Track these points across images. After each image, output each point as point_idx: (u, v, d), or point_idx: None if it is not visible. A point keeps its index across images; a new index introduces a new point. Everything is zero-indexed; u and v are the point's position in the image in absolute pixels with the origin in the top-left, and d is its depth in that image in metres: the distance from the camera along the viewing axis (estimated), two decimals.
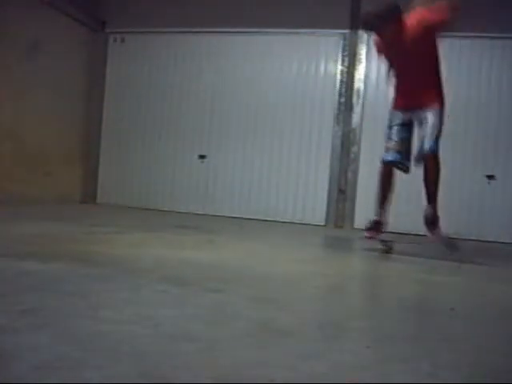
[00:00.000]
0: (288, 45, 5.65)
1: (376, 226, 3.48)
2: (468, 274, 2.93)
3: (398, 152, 3.49)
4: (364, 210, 5.55)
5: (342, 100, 5.59)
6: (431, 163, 3.43)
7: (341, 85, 5.60)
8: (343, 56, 5.61)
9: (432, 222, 3.35)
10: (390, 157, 3.48)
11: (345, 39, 5.59)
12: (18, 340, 1.21)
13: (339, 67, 5.62)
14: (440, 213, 5.31)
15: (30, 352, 1.13)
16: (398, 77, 3.51)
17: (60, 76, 5.63)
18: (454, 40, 5.34)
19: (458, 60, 5.34)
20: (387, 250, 3.44)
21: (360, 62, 5.57)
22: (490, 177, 5.23)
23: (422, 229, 3.57)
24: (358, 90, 5.56)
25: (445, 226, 5.29)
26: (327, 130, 5.56)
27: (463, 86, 5.32)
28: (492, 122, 5.24)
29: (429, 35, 3.29)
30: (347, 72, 5.59)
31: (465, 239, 5.15)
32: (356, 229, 5.49)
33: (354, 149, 5.57)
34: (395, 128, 3.54)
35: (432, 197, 3.41)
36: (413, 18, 3.25)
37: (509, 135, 5.21)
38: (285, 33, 5.58)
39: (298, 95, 5.63)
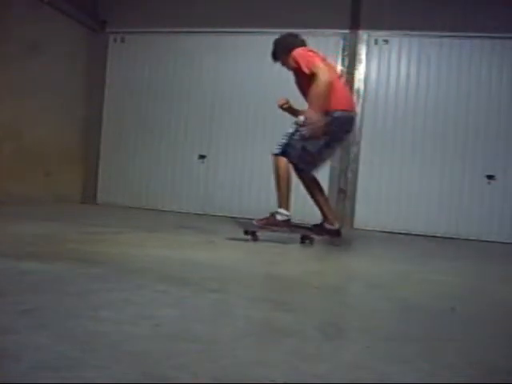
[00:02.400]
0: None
1: (286, 221, 3.55)
2: (468, 273, 2.93)
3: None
4: (364, 210, 5.57)
5: None
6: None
7: None
8: (343, 56, 5.61)
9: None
10: (276, 150, 3.64)
11: (345, 39, 5.60)
12: (18, 340, 1.21)
13: (339, 67, 5.62)
14: (440, 213, 5.34)
15: (29, 352, 1.13)
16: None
17: (60, 76, 5.63)
18: (454, 40, 5.35)
19: (458, 60, 5.35)
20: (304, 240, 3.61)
21: (360, 62, 5.57)
22: (490, 177, 5.23)
23: None
24: (358, 90, 5.56)
25: (445, 225, 5.32)
26: None
27: (463, 86, 5.33)
28: (492, 122, 5.25)
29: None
30: (347, 72, 5.59)
31: (465, 239, 5.17)
32: (356, 229, 5.50)
33: (354, 149, 5.57)
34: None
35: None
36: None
37: (509, 135, 5.21)
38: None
39: (298, 95, 5.63)
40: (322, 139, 3.49)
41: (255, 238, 3.51)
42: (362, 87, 5.56)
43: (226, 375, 1.11)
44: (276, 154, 3.61)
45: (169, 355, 1.19)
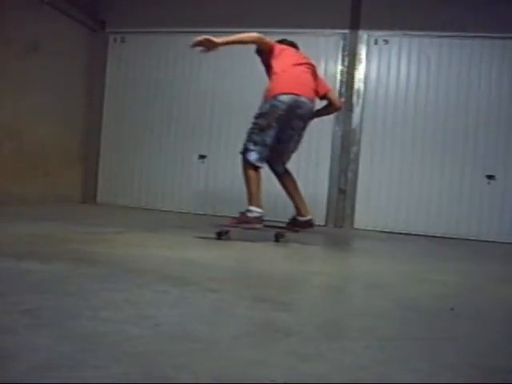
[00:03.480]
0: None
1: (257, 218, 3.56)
2: (468, 273, 2.93)
3: None
4: (364, 210, 5.57)
5: (342, 100, 5.59)
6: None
7: (341, 85, 5.61)
8: (343, 56, 5.61)
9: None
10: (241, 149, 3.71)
11: (345, 39, 5.60)
12: (18, 340, 1.21)
13: (339, 67, 5.62)
14: (440, 212, 5.34)
15: (30, 352, 1.13)
16: None
17: (60, 76, 5.63)
18: (454, 40, 5.35)
19: (458, 60, 5.35)
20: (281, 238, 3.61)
21: (360, 62, 5.57)
22: (490, 177, 5.23)
23: None
24: (358, 90, 5.56)
25: (445, 225, 5.32)
26: (327, 130, 5.56)
27: (463, 86, 5.33)
28: (492, 122, 5.25)
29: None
30: (347, 72, 5.59)
31: (465, 239, 5.17)
32: (356, 229, 5.50)
33: (354, 149, 5.57)
34: None
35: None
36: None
37: (509, 135, 5.21)
38: (285, 33, 5.54)
39: None
40: (274, 127, 3.55)
41: (227, 237, 3.52)
42: (361, 87, 5.56)
43: (226, 375, 1.11)
44: (242, 153, 3.65)
45: (169, 355, 1.19)
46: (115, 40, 6.22)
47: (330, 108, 3.93)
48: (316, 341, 1.43)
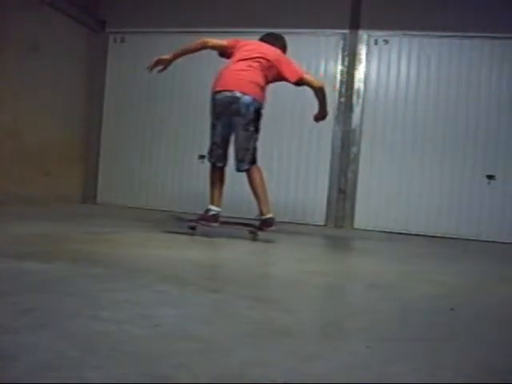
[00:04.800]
0: (288, 45, 5.64)
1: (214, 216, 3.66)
2: (468, 273, 2.93)
3: None
4: (364, 210, 5.57)
5: (342, 100, 5.60)
6: None
7: (341, 85, 5.61)
8: (343, 56, 5.61)
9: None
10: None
11: (345, 39, 5.60)
12: (18, 340, 1.21)
13: (339, 67, 5.62)
14: (440, 212, 5.34)
15: (30, 352, 1.13)
16: None
17: (60, 76, 5.63)
18: (453, 40, 5.35)
19: (458, 60, 5.35)
20: (255, 237, 3.62)
21: (360, 62, 5.57)
22: (490, 177, 5.23)
23: None
24: (358, 90, 5.56)
25: (445, 225, 5.32)
26: (327, 130, 5.56)
27: (463, 86, 5.33)
28: (492, 122, 5.25)
29: None
30: (347, 72, 5.59)
31: (465, 239, 5.17)
32: (356, 229, 5.50)
33: (354, 149, 5.57)
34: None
35: None
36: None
37: (509, 135, 5.21)
38: (285, 33, 5.53)
39: (298, 95, 5.64)
40: (217, 125, 3.67)
41: (194, 233, 3.63)
42: (361, 87, 5.56)
43: (226, 375, 1.10)
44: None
45: (169, 355, 1.19)
46: (115, 40, 6.22)
47: (314, 92, 3.85)
48: (316, 341, 1.43)
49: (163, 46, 6.08)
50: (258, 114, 3.66)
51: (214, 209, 3.68)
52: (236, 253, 3.17)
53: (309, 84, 3.81)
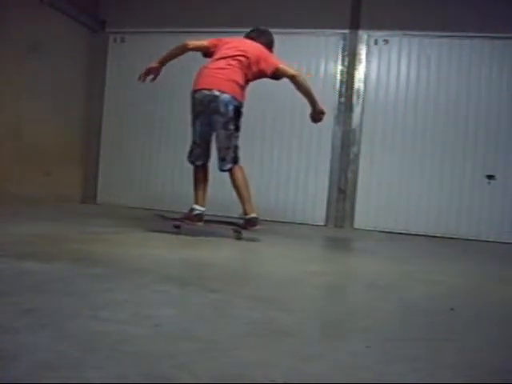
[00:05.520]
0: (288, 45, 5.64)
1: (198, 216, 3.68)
2: (468, 273, 2.93)
3: None
4: (364, 210, 5.56)
5: (342, 100, 5.59)
6: None
7: (341, 85, 5.60)
8: (343, 56, 5.61)
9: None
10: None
11: (345, 39, 5.59)
12: (18, 340, 1.21)
13: (339, 67, 5.62)
14: (440, 212, 5.34)
15: (30, 352, 1.13)
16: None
17: (60, 76, 5.63)
18: (453, 40, 5.35)
19: (458, 60, 5.35)
20: (238, 236, 3.62)
21: (360, 62, 5.57)
22: (490, 177, 5.23)
23: None
24: (358, 90, 5.56)
25: (445, 225, 5.32)
26: (327, 130, 5.56)
27: (463, 86, 5.33)
28: (492, 122, 5.24)
29: None
30: (347, 72, 5.59)
31: (465, 239, 5.17)
32: (356, 229, 5.50)
33: (354, 149, 5.57)
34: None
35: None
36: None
37: (509, 135, 5.21)
38: (285, 33, 5.56)
39: (298, 95, 5.64)
40: (196, 124, 3.73)
41: (179, 232, 3.63)
42: (361, 87, 5.56)
43: (226, 375, 1.11)
44: None
45: (169, 355, 1.19)
46: (115, 40, 6.21)
47: (295, 85, 3.78)
48: (316, 341, 1.43)
49: (163, 46, 6.05)
50: (237, 113, 3.65)
51: (199, 208, 3.70)
52: (235, 252, 3.17)
53: (283, 73, 3.73)
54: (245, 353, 1.25)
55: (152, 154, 6.11)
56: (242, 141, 5.82)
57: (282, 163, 5.73)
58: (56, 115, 5.64)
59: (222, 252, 3.11)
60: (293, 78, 3.74)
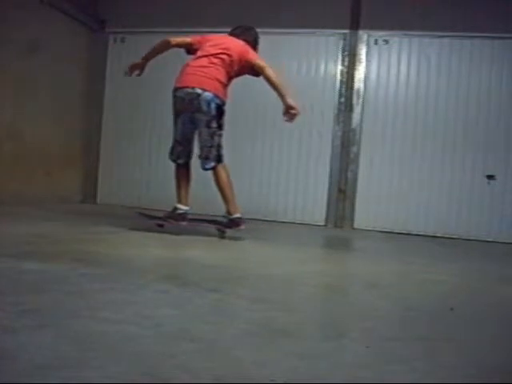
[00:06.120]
0: (288, 45, 5.65)
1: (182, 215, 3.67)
2: (468, 273, 2.93)
3: None
4: (364, 210, 5.56)
5: (342, 100, 5.59)
6: None
7: (341, 85, 5.60)
8: (343, 56, 5.61)
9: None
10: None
11: (345, 39, 5.59)
12: (18, 340, 1.21)
13: (339, 67, 5.62)
14: (440, 212, 5.33)
15: (30, 352, 1.13)
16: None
17: (60, 76, 5.63)
18: (454, 40, 5.35)
19: (458, 60, 5.35)
20: (222, 235, 3.63)
21: (360, 62, 5.57)
22: (490, 177, 5.23)
23: None
24: (358, 90, 5.56)
25: (445, 225, 5.32)
26: (327, 130, 5.56)
27: (463, 86, 5.33)
28: (492, 122, 5.24)
29: None
30: (347, 72, 5.59)
31: (465, 239, 5.17)
32: (356, 229, 5.50)
33: (354, 149, 5.57)
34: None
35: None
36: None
37: (509, 135, 5.21)
38: (285, 33, 5.58)
39: (298, 95, 5.64)
40: (177, 122, 3.68)
41: (161, 228, 3.67)
42: (361, 87, 5.55)
43: (226, 375, 1.11)
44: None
45: (169, 355, 1.19)
46: (115, 40, 6.21)
47: (264, 78, 3.71)
48: (316, 341, 1.43)
49: None
50: (219, 111, 3.61)
51: (182, 208, 3.68)
52: (235, 253, 3.17)
53: (258, 68, 3.66)
54: (245, 353, 1.25)
55: (152, 154, 6.11)
56: (242, 141, 5.86)
57: (282, 163, 5.73)
58: (56, 115, 5.64)
59: (221, 252, 3.11)
60: (262, 70, 3.66)
